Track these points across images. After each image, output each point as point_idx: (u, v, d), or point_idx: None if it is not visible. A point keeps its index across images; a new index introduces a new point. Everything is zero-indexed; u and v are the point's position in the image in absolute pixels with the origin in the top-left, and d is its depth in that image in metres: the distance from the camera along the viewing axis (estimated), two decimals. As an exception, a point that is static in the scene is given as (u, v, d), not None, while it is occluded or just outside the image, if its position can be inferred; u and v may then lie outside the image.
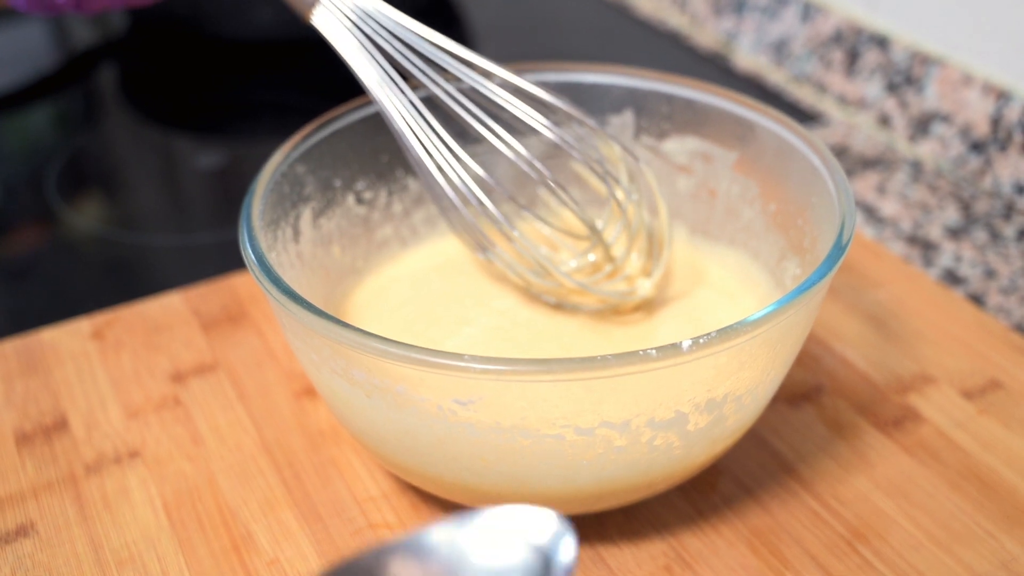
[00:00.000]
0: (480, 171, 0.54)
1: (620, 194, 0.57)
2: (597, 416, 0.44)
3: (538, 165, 0.54)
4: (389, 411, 0.46)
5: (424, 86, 0.55)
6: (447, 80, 0.55)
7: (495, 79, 0.56)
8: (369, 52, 0.55)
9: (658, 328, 0.56)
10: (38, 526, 0.52)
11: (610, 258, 0.57)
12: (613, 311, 0.57)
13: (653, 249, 0.59)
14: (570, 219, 0.61)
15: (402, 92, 0.55)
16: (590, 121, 0.57)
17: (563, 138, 0.55)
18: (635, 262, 0.58)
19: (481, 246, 0.58)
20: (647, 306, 0.58)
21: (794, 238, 0.56)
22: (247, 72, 0.99)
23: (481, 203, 0.54)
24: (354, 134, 0.59)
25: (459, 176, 0.54)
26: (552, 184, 0.55)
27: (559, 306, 0.58)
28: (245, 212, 0.50)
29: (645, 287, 0.58)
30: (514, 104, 0.55)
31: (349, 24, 0.56)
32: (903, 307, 0.64)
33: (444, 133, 0.54)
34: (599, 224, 0.58)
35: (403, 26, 0.55)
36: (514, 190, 0.61)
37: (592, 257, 0.58)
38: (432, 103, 0.55)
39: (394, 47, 0.55)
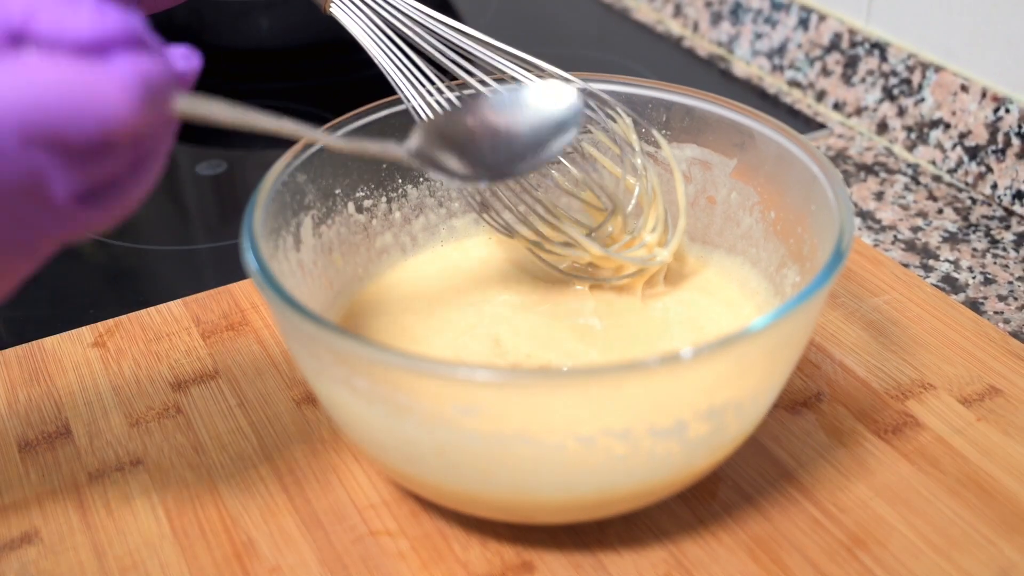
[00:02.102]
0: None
1: (638, 161, 0.58)
2: (598, 425, 0.44)
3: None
4: (390, 419, 0.46)
5: (444, 71, 0.57)
6: (465, 63, 0.58)
7: (510, 59, 0.57)
8: (387, 41, 0.57)
9: (658, 336, 0.57)
10: (42, 533, 0.52)
11: (627, 228, 0.58)
12: (628, 285, 0.59)
13: (668, 218, 0.60)
14: (586, 195, 0.61)
15: (423, 78, 0.56)
16: (605, 95, 0.58)
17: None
18: (651, 232, 0.59)
19: (504, 224, 0.59)
20: (650, 311, 0.58)
21: (793, 246, 0.56)
22: (246, 80, 0.99)
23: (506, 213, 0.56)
24: (355, 142, 0.59)
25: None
26: (576, 155, 0.57)
27: (578, 279, 0.59)
28: (247, 221, 0.50)
29: (663, 254, 0.58)
30: (532, 82, 0.57)
31: (367, 13, 0.56)
32: (902, 314, 0.64)
33: None
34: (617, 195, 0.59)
35: (421, 11, 0.56)
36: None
37: (611, 228, 0.58)
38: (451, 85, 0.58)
39: (414, 33, 0.56)
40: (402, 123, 0.60)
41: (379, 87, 0.59)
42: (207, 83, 1.01)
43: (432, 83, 0.57)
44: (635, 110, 0.61)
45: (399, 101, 0.59)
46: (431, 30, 0.57)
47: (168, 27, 0.98)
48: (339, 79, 0.99)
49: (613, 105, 0.58)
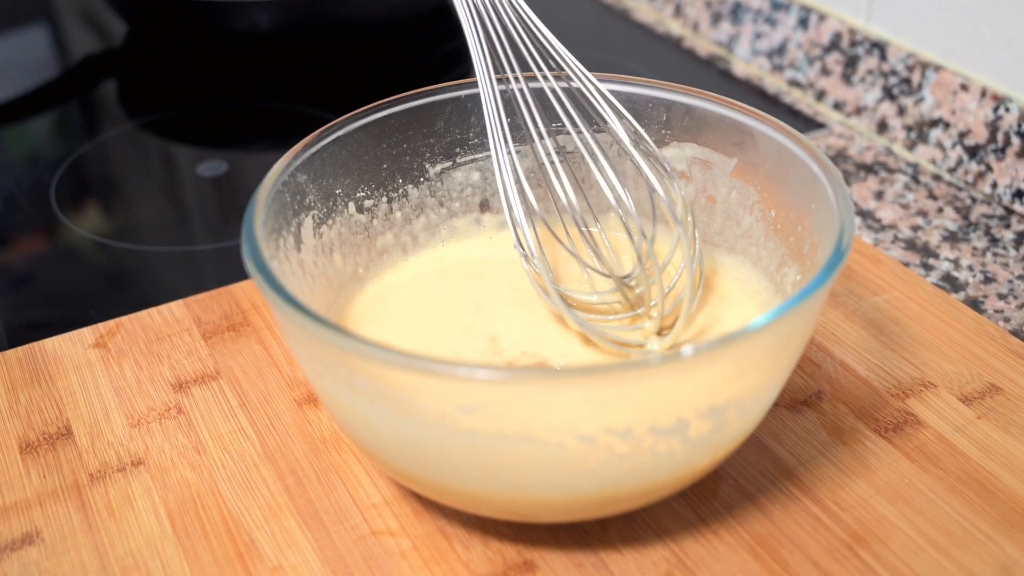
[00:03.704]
0: (526, 185, 0.56)
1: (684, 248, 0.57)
2: (599, 423, 0.44)
3: (575, 204, 0.55)
4: (391, 419, 0.46)
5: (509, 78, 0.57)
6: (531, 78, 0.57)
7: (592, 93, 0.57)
8: (477, 36, 0.57)
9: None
10: (43, 534, 0.52)
11: (632, 306, 0.57)
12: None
13: (679, 307, 0.57)
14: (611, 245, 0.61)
15: (493, 83, 0.57)
16: (666, 165, 0.57)
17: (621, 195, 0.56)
18: (651, 319, 0.57)
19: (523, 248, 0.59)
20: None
21: (794, 244, 0.56)
22: (247, 80, 0.99)
23: (511, 211, 0.56)
24: (355, 143, 0.59)
25: (509, 180, 0.56)
26: (588, 232, 0.56)
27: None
28: (247, 221, 0.50)
29: (655, 345, 0.56)
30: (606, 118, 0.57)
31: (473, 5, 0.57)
32: (902, 312, 0.64)
33: (508, 133, 0.56)
34: (633, 267, 0.57)
35: (525, 19, 0.56)
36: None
37: (604, 301, 0.58)
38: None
39: (500, 38, 0.57)
40: (402, 123, 0.60)
41: (377, 88, 0.59)
42: (207, 85, 1.01)
43: (498, 108, 0.57)
44: (635, 110, 0.61)
45: (400, 101, 0.60)
46: (518, 43, 0.57)
47: (169, 26, 0.98)
48: (340, 80, 0.99)
49: (669, 176, 0.57)
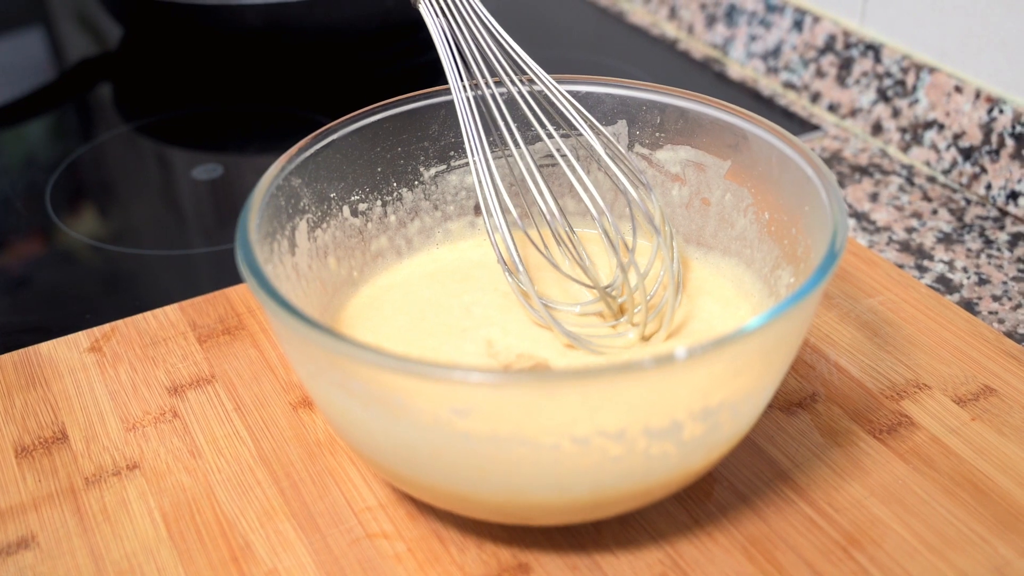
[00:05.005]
0: (509, 203, 0.56)
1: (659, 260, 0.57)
2: (593, 425, 0.44)
3: (557, 217, 0.56)
4: (386, 422, 0.46)
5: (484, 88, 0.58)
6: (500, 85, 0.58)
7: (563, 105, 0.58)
8: (451, 50, 0.57)
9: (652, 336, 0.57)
10: (39, 538, 0.52)
11: (615, 315, 0.57)
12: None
13: (662, 313, 0.57)
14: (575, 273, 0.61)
15: (467, 94, 0.57)
16: (642, 177, 0.58)
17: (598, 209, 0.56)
18: (634, 325, 0.57)
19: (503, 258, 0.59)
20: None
21: (788, 247, 0.56)
22: (242, 83, 0.99)
23: (492, 221, 0.57)
24: (349, 146, 0.59)
25: (491, 190, 0.56)
26: (569, 242, 0.56)
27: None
28: (241, 225, 0.50)
29: (636, 349, 0.56)
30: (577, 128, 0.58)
31: (446, 21, 0.57)
32: (897, 314, 0.64)
33: (486, 144, 0.57)
34: (616, 276, 0.58)
35: (493, 32, 0.57)
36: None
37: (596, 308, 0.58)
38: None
39: (472, 51, 0.57)
40: (396, 127, 0.60)
41: (372, 91, 0.59)
42: (202, 88, 1.01)
43: (474, 119, 0.57)
44: (629, 113, 0.61)
45: (394, 104, 0.60)
46: (491, 58, 0.57)
47: (165, 29, 0.98)
48: (335, 83, 0.99)
49: (646, 191, 0.58)
